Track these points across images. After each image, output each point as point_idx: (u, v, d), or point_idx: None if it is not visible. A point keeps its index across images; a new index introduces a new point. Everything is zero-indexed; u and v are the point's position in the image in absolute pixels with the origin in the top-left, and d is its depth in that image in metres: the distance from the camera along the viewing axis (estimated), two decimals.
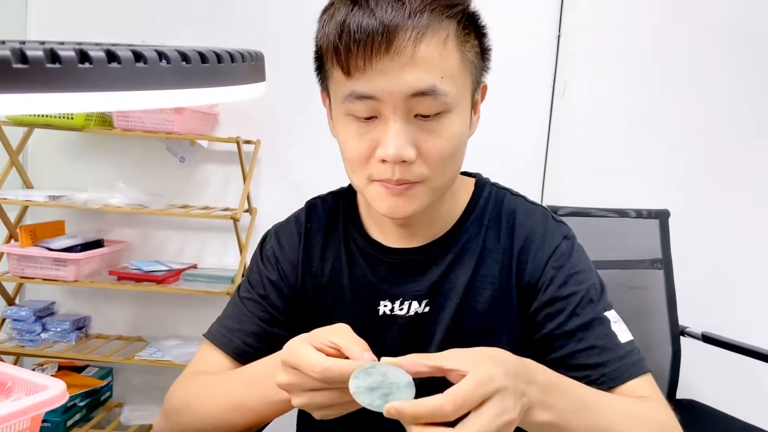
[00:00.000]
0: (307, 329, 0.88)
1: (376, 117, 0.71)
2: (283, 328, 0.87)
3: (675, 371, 1.77)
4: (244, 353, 0.84)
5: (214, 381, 0.79)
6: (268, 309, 0.86)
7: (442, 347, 0.82)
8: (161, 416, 0.82)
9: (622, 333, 0.78)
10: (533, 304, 0.81)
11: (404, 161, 0.70)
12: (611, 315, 0.78)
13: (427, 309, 0.83)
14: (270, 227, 0.93)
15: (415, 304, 0.83)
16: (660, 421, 0.70)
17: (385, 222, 0.84)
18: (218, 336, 0.86)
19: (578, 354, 0.76)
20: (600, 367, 0.75)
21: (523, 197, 0.88)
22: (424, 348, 0.84)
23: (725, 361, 1.82)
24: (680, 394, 1.79)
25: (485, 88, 0.80)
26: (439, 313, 0.82)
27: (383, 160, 0.70)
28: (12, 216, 2.02)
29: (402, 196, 0.73)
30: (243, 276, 1.92)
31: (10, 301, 2.06)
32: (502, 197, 0.86)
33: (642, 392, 0.74)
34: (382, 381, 0.57)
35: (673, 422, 0.71)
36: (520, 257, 0.82)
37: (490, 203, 0.85)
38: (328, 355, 0.61)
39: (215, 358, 0.85)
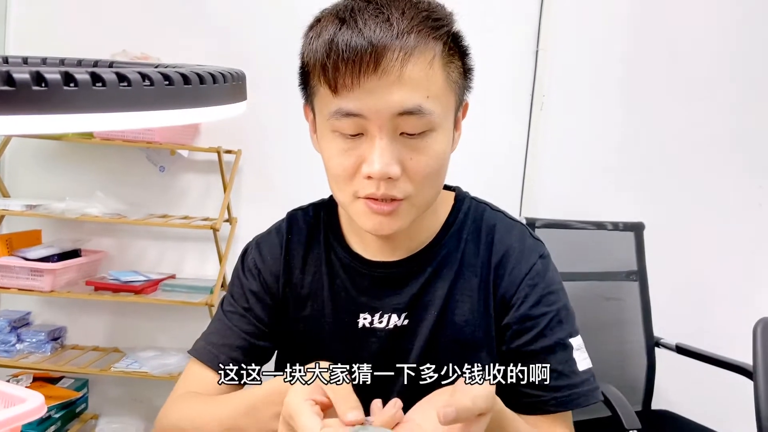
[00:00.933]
0: (289, 341, 0.89)
1: (362, 134, 0.72)
2: (268, 340, 0.88)
3: (650, 382, 1.80)
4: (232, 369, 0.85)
5: (210, 407, 0.77)
6: (252, 321, 0.86)
7: (419, 361, 0.83)
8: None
9: (582, 361, 0.80)
10: (504, 319, 0.82)
11: (390, 178, 0.71)
12: (575, 342, 0.81)
13: (406, 322, 0.84)
14: (251, 239, 0.93)
15: (394, 317, 0.83)
16: None
17: (365, 234, 0.85)
18: (204, 353, 0.86)
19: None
20: (554, 390, 0.78)
21: (503, 212, 0.89)
22: (402, 361, 0.84)
23: (699, 372, 1.86)
24: (655, 405, 1.82)
25: (467, 105, 0.82)
26: (418, 326, 0.83)
27: (369, 177, 0.71)
28: None
29: (386, 215, 0.74)
30: (222, 287, 1.90)
31: None
32: (482, 211, 0.88)
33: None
34: None
35: None
36: (497, 271, 0.83)
37: (470, 217, 0.87)
38: (325, 406, 0.61)
39: (205, 375, 0.84)
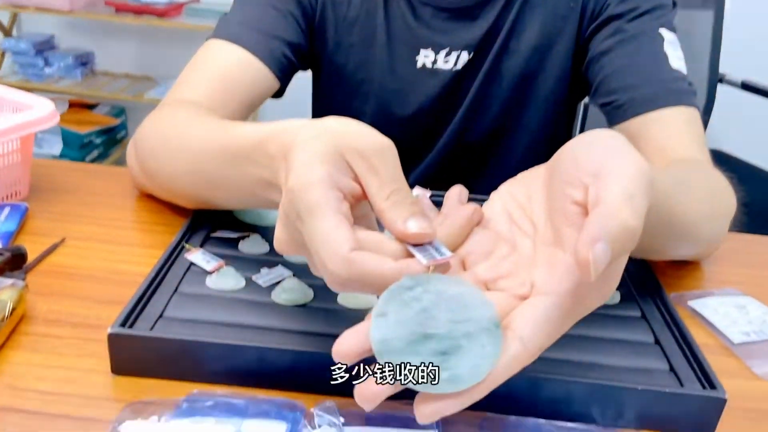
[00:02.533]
0: (328, 76, 0.74)
1: None
2: (304, 63, 0.73)
3: (705, 120, 1.69)
4: (286, 67, 0.68)
5: (190, 140, 0.54)
6: (296, 29, 0.69)
7: (475, 99, 0.72)
8: (132, 145, 0.66)
9: (676, 60, 0.64)
10: (587, 33, 0.68)
11: None
12: (668, 35, 0.65)
13: (473, 57, 0.70)
14: None
15: (464, 54, 0.70)
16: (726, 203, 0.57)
17: None
18: (249, 39, 0.65)
19: (612, 75, 0.65)
20: (632, 89, 0.63)
21: None
22: (459, 102, 0.73)
23: (760, 111, 1.74)
24: (708, 144, 1.74)
25: None
26: (483, 62, 0.70)
27: None
28: None
29: None
30: None
31: (7, 32, 1.95)
32: None
33: (678, 125, 0.62)
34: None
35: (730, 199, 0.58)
36: None
37: None
38: (358, 197, 0.35)
39: (243, 63, 0.66)
